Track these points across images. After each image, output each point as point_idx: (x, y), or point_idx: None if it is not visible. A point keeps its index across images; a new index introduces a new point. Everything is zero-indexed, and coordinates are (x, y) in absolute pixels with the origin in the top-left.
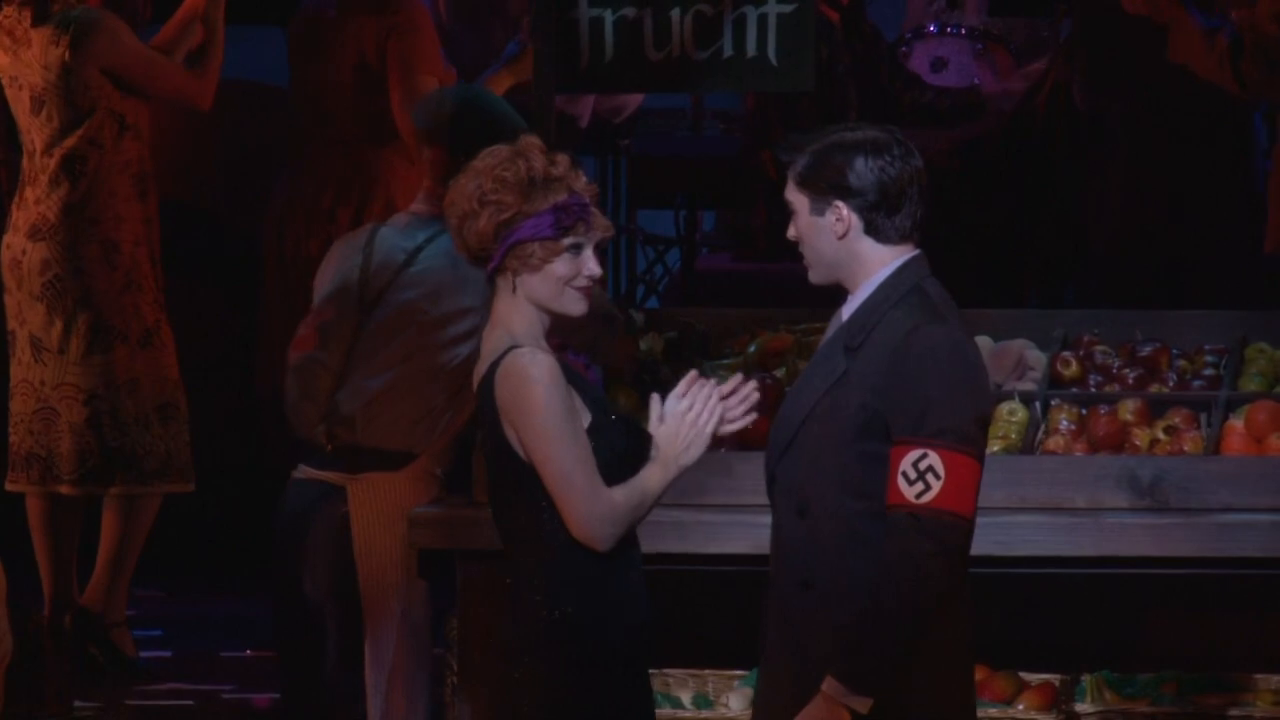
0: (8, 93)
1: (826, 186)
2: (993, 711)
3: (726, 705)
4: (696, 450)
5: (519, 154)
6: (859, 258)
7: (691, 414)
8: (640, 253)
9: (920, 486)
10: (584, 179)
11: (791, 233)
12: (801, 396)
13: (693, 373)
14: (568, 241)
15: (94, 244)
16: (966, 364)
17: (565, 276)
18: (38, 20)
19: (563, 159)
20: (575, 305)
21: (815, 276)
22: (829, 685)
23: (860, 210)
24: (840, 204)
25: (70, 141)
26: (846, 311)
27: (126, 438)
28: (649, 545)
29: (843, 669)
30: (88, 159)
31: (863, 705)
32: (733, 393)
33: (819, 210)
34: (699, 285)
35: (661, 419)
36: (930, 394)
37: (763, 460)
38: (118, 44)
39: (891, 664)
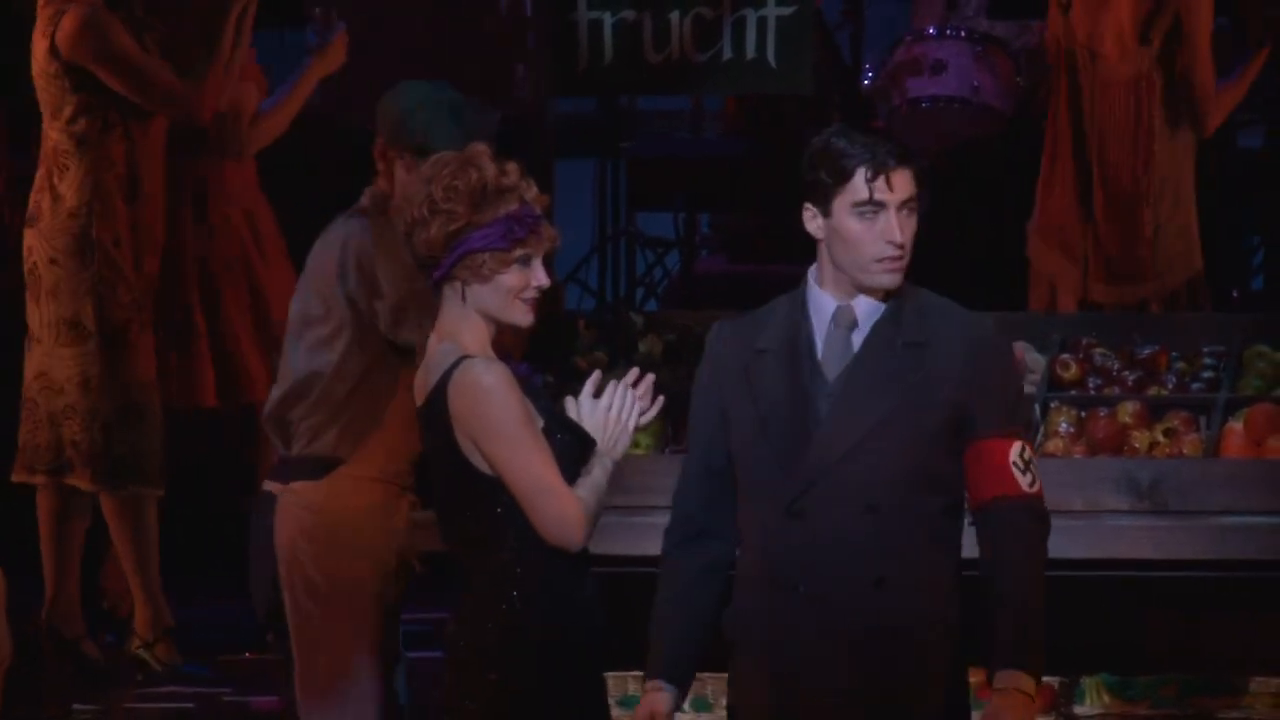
0: None
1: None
2: None
3: (724, 708)
4: (623, 445)
5: (470, 162)
6: None
7: (613, 411)
8: (639, 255)
9: (1030, 476)
10: (534, 189)
11: (907, 237)
12: (862, 396)
13: (597, 373)
14: (518, 253)
15: (67, 237)
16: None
17: (515, 288)
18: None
19: (513, 168)
20: (523, 316)
21: (899, 280)
22: (1012, 679)
23: None
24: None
25: (54, 135)
26: (867, 309)
27: (88, 435)
28: (642, 550)
29: (1018, 656)
30: (71, 154)
31: (1034, 689)
32: (636, 384)
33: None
34: (698, 288)
35: (579, 419)
36: (1014, 386)
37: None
38: (106, 42)
39: (1045, 643)
